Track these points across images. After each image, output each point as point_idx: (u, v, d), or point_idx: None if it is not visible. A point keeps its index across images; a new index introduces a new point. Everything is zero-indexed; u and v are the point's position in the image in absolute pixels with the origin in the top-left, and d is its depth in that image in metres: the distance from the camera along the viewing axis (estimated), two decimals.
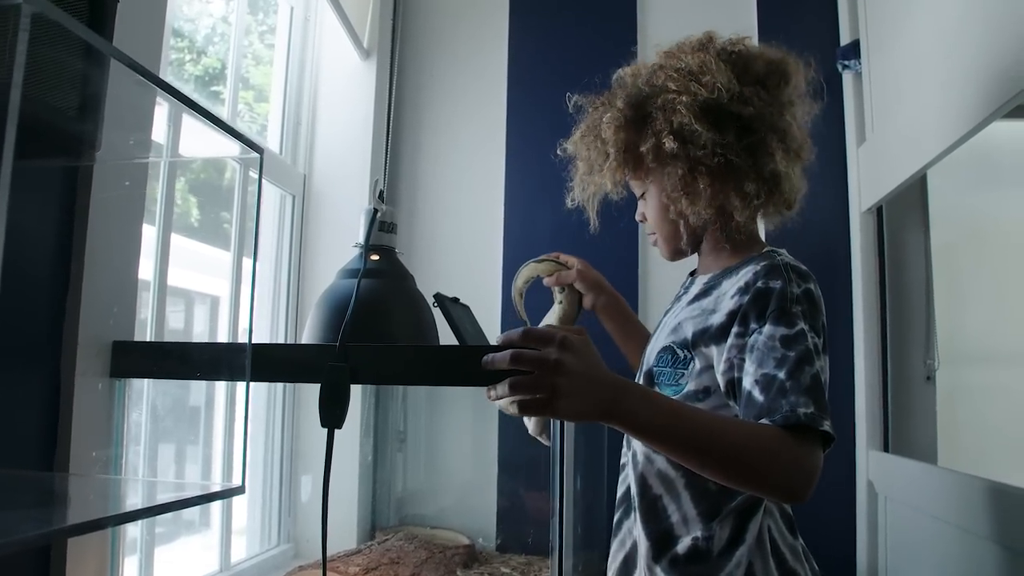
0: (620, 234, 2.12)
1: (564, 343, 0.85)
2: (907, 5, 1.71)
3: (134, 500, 1.00)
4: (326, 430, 0.98)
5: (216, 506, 1.73)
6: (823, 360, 0.98)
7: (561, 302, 1.33)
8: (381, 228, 1.19)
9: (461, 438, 2.24)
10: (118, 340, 1.05)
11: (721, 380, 1.01)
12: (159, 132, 1.44)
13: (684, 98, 1.08)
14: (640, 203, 1.23)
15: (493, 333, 2.30)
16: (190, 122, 1.48)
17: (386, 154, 2.26)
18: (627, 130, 1.14)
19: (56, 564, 0.92)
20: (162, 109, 1.37)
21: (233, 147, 1.03)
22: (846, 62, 2.04)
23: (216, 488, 0.90)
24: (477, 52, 2.38)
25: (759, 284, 1.01)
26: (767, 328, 0.97)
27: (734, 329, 1.00)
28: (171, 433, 1.51)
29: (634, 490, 1.12)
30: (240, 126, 1.94)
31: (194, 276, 1.75)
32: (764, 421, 0.90)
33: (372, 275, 1.16)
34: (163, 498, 0.97)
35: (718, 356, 1.02)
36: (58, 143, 0.79)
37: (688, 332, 1.07)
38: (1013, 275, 2.07)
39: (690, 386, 1.04)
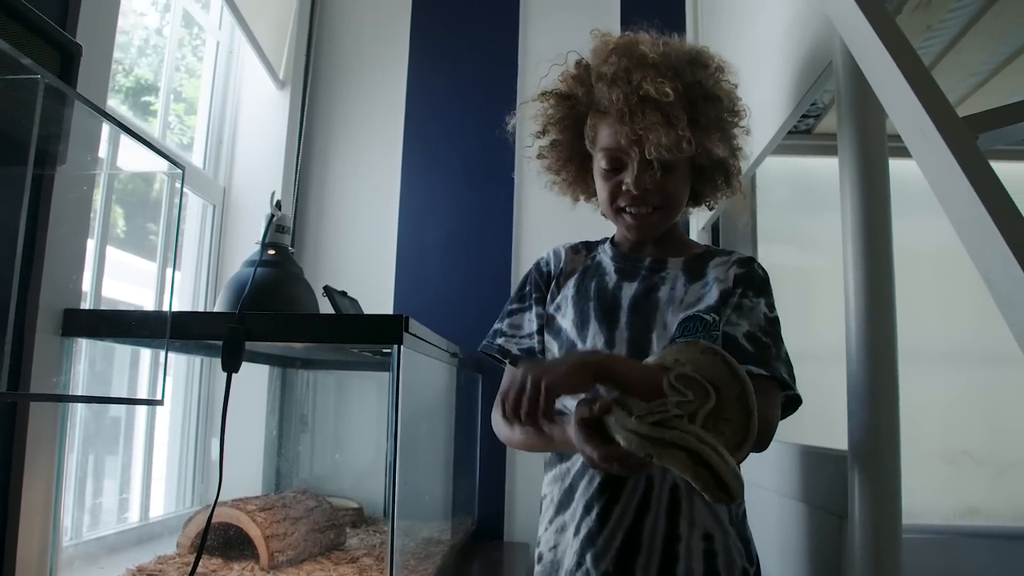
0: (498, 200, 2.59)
1: None
2: (731, 10, 1.89)
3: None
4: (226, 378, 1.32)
5: (137, 470, 2.03)
6: None
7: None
8: (277, 230, 1.55)
9: (361, 424, 2.54)
10: (69, 308, 1.37)
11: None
12: (101, 148, 1.76)
13: (718, 75, 1.16)
14: (649, 173, 1.11)
15: None
16: (125, 140, 1.79)
17: (296, 171, 2.62)
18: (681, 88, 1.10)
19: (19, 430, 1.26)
20: (105, 126, 1.68)
21: (161, 162, 1.36)
22: None
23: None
24: (379, 84, 2.78)
25: (748, 270, 1.15)
26: (757, 299, 1.12)
27: (731, 298, 1.12)
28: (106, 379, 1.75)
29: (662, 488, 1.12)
30: (170, 138, 2.26)
31: (119, 286, 1.89)
32: (760, 370, 1.04)
33: (268, 265, 1.51)
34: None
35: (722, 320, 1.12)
36: (37, 158, 1.12)
37: (712, 300, 1.12)
38: (824, 285, 2.46)
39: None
